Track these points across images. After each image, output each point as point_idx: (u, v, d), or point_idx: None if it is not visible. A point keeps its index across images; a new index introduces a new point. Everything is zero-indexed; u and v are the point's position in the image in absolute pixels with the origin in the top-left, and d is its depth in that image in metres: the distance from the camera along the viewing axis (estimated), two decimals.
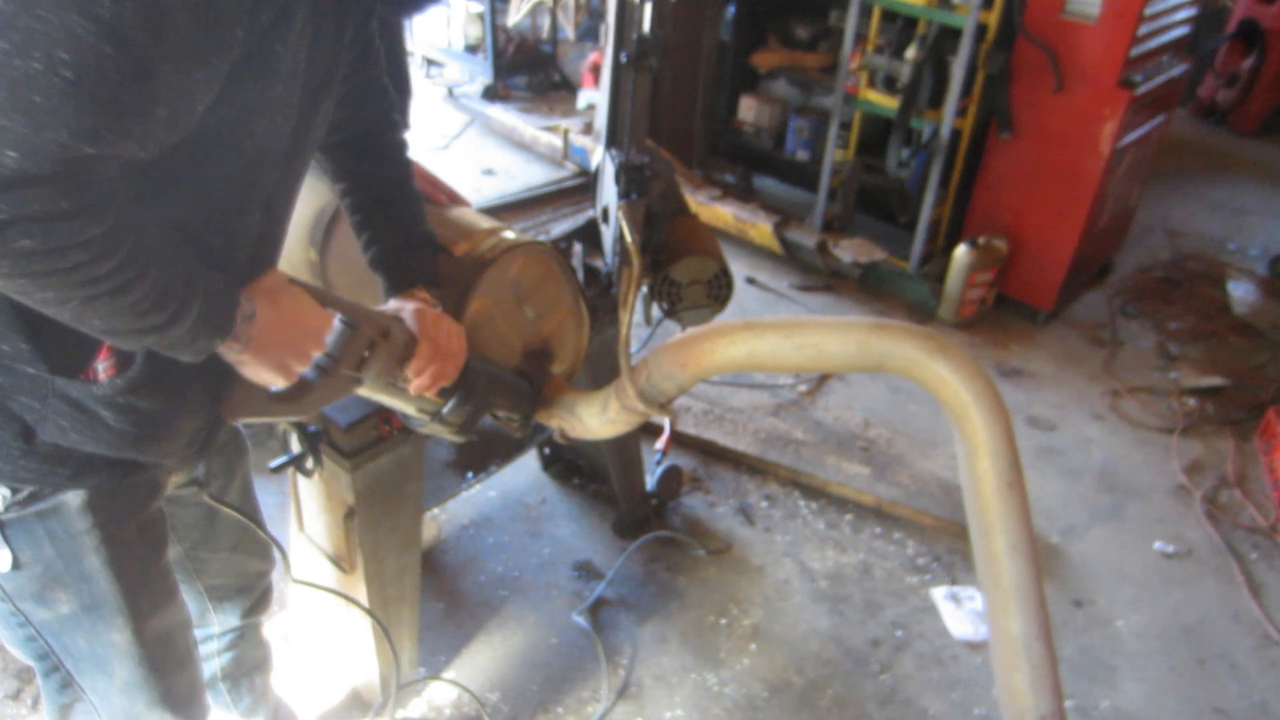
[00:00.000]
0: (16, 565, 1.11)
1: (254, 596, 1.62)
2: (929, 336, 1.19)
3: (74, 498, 1.10)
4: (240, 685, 1.72)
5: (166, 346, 0.95)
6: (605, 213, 1.99)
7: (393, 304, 1.33)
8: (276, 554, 1.56)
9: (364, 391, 1.25)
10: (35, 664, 1.24)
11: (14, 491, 1.06)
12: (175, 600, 1.31)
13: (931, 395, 1.21)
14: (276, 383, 1.08)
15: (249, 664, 1.71)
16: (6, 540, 1.10)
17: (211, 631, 1.61)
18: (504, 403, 1.47)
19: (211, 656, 1.65)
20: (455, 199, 1.76)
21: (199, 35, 0.83)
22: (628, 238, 1.28)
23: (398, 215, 1.38)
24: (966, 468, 1.19)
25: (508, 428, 1.53)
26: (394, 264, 1.36)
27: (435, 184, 1.73)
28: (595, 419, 1.47)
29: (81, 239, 0.81)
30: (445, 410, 1.37)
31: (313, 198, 1.64)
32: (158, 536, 1.25)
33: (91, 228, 0.81)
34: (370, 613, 1.77)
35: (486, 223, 1.63)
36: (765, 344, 1.25)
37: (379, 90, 1.35)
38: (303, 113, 1.06)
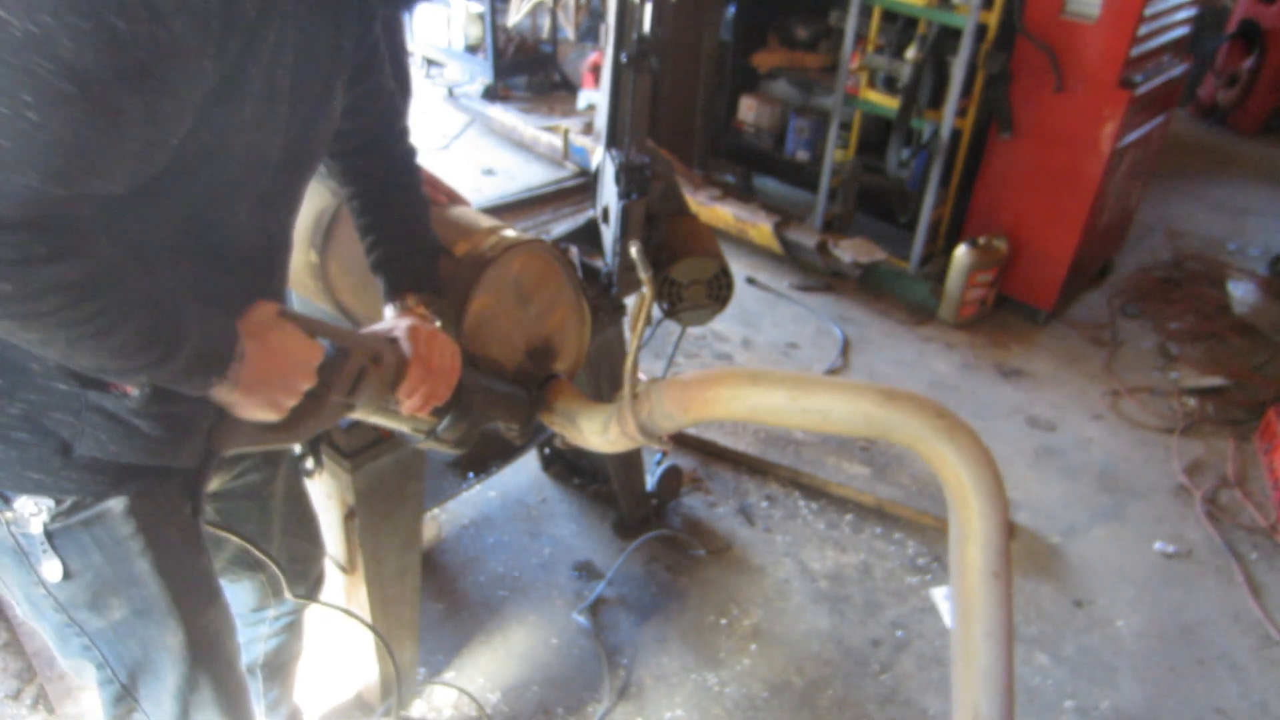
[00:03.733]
0: (67, 575, 1.12)
1: (310, 580, 1.63)
2: (940, 415, 1.17)
3: (117, 504, 1.11)
4: (275, 676, 1.73)
5: (163, 382, 0.96)
6: (605, 213, 1.99)
7: (388, 318, 1.33)
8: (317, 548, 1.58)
9: (357, 415, 1.26)
10: (94, 672, 1.25)
11: (58, 502, 1.07)
12: (219, 602, 1.32)
13: (934, 472, 1.20)
14: (268, 418, 1.09)
15: (287, 654, 1.73)
16: (56, 551, 1.10)
17: (266, 615, 1.62)
18: (501, 414, 1.47)
19: (258, 641, 1.65)
20: (455, 198, 1.76)
21: (164, 71, 0.82)
22: (641, 274, 1.28)
23: (403, 221, 1.38)
24: (956, 551, 1.18)
25: (508, 436, 1.54)
26: (396, 269, 1.36)
27: (435, 184, 1.73)
28: (595, 436, 1.48)
29: (60, 282, 0.81)
30: (439, 429, 1.37)
31: (313, 200, 1.64)
32: (195, 537, 1.26)
33: (70, 271, 0.81)
34: (373, 627, 1.77)
35: (486, 222, 1.63)
36: (769, 401, 1.24)
37: (385, 98, 1.34)
38: (302, 123, 1.06)
